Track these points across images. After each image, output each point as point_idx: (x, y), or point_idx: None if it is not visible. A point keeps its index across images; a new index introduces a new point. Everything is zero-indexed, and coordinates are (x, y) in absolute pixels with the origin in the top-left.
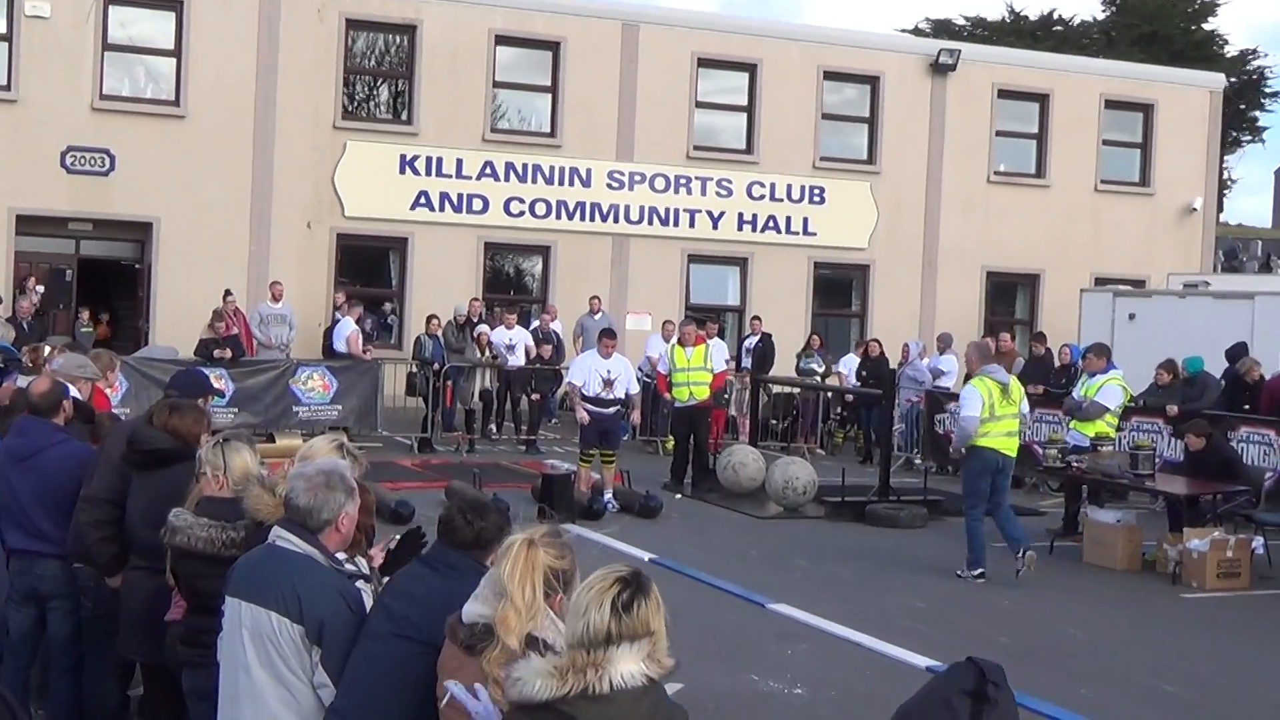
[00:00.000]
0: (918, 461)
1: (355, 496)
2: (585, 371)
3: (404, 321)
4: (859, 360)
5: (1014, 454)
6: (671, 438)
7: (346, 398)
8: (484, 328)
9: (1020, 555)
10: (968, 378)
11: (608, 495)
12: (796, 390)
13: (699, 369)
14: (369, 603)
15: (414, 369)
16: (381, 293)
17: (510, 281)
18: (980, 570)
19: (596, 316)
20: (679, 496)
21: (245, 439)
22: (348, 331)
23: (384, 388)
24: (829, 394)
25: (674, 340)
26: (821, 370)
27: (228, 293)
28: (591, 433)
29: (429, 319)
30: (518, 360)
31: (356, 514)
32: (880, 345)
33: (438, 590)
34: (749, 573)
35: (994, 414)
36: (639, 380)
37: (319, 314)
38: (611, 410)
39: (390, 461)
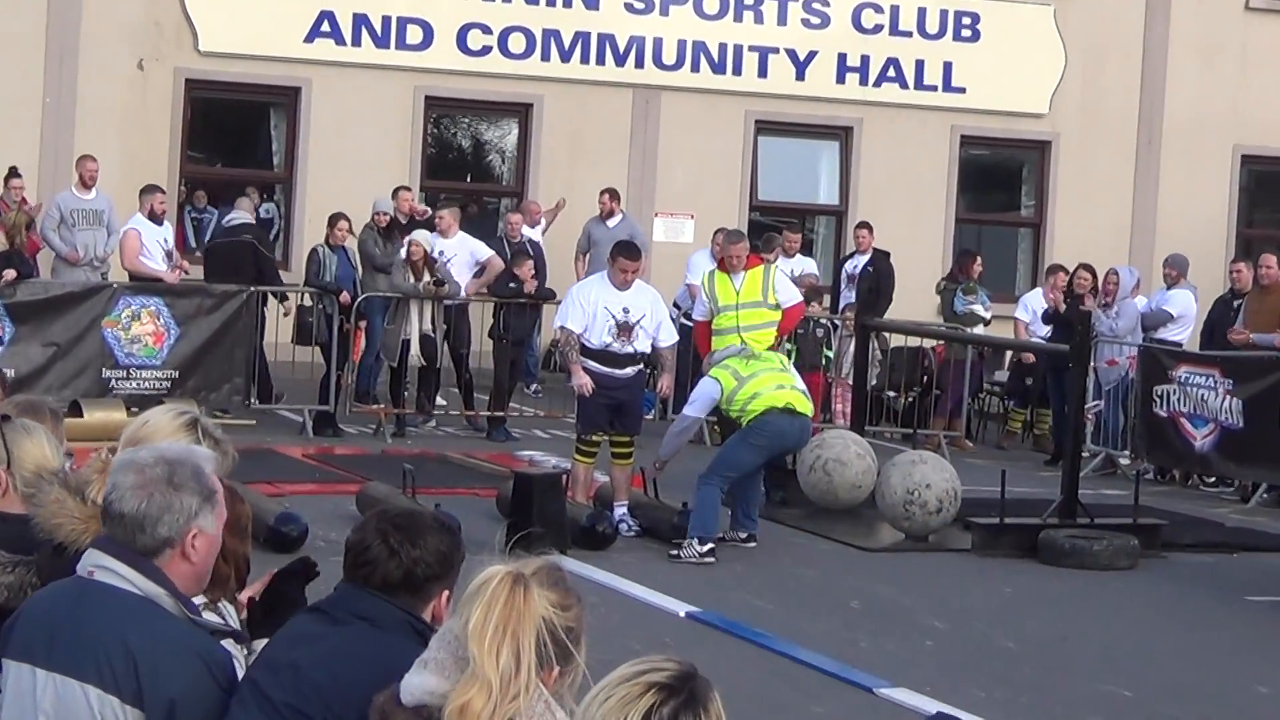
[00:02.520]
0: (1125, 462)
1: (217, 505)
2: (587, 310)
3: (291, 225)
4: (1048, 301)
5: None
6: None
7: (194, 350)
8: (422, 235)
9: None
10: None
11: (621, 509)
12: (932, 345)
13: (755, 306)
14: (242, 673)
15: (307, 302)
16: (254, 177)
17: (465, 161)
18: None
19: (611, 222)
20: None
21: (46, 410)
22: (127, 228)
23: (260, 333)
24: (984, 352)
25: (711, 267)
26: (988, 314)
27: (11, 173)
28: (596, 409)
29: (333, 221)
30: (453, 286)
31: (219, 533)
32: (1094, 275)
33: (342, 655)
34: (849, 638)
35: None
36: (674, 323)
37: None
38: (629, 373)
39: (269, 450)
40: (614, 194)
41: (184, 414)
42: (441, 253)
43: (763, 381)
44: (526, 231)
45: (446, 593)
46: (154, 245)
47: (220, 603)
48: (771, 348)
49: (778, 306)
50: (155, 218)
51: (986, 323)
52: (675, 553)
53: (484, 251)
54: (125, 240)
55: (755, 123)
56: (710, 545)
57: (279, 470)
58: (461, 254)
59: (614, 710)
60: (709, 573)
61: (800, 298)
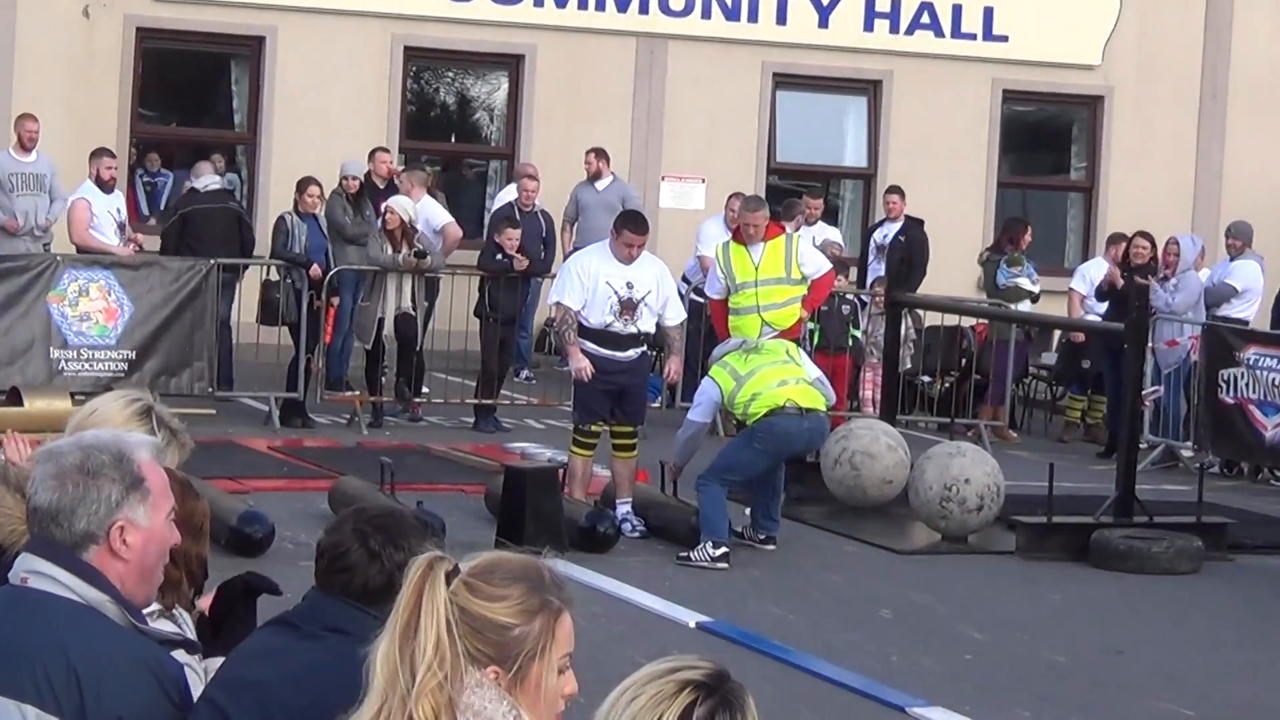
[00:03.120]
0: (1187, 454)
1: (149, 494)
2: (586, 284)
3: (255, 191)
4: (1105, 275)
5: None
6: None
7: (153, 330)
8: (401, 201)
9: None
10: None
11: (624, 508)
12: (972, 323)
13: (777, 283)
14: (198, 689)
15: (273, 276)
16: (213, 138)
17: (449, 119)
18: None
19: (600, 184)
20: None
21: None
22: (75, 197)
23: (217, 310)
24: (1030, 331)
25: (726, 238)
26: (1035, 289)
27: None
28: (595, 396)
29: (302, 186)
30: (437, 259)
31: (160, 528)
32: (1152, 244)
33: (316, 673)
34: (879, 651)
35: None
36: (683, 298)
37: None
38: (632, 355)
39: (231, 442)
40: (600, 153)
41: (135, 401)
42: (428, 220)
43: (762, 379)
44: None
45: None
46: (105, 216)
47: (175, 609)
48: (795, 327)
49: (804, 280)
50: (105, 185)
51: (1035, 298)
52: (685, 554)
53: (440, 217)
54: (74, 211)
55: (773, 75)
56: (724, 549)
57: (242, 464)
58: (417, 221)
59: (646, 709)
60: (722, 579)
61: (829, 265)
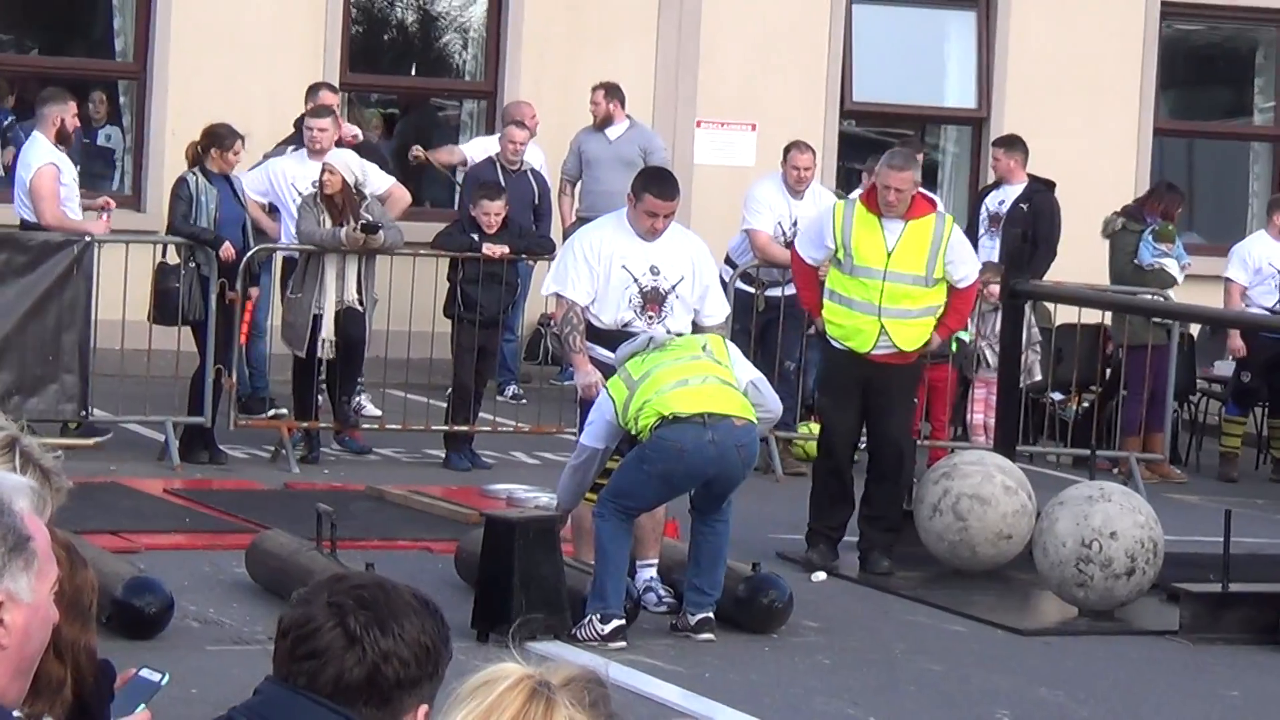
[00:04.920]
0: None
1: (35, 559)
2: (596, 270)
3: (145, 143)
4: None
5: None
6: (817, 429)
7: (1, 335)
8: (343, 158)
9: None
10: None
11: (647, 572)
12: (1113, 320)
13: (912, 281)
14: None
15: (171, 259)
16: (89, 70)
17: (408, 46)
18: None
19: (613, 131)
20: (820, 576)
21: None
22: (40, 162)
23: (97, 304)
24: (1189, 332)
25: (856, 192)
26: (1182, 274)
27: None
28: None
29: (210, 137)
30: (391, 234)
31: (43, 604)
32: None
33: None
34: None
35: None
36: (725, 287)
37: None
38: None
39: (115, 483)
40: (612, 90)
41: None
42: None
43: (655, 382)
44: (530, 154)
45: (425, 708)
46: (73, 185)
47: (45, 718)
48: (928, 345)
49: (941, 284)
50: (65, 138)
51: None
52: (573, 628)
53: (380, 180)
54: (40, 181)
55: None
56: (617, 622)
57: (130, 514)
58: (365, 184)
59: None
60: (780, 669)
61: (977, 272)
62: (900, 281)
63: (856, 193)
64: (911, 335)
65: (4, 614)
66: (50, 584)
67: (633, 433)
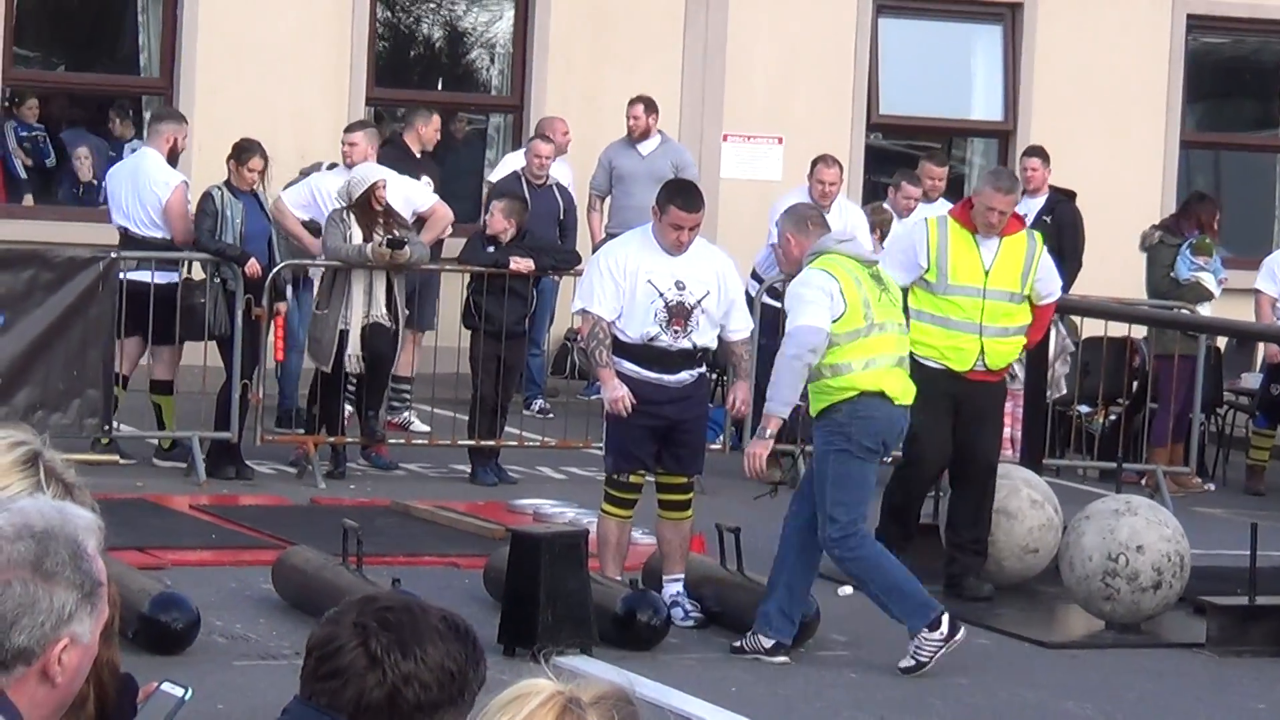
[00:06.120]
0: None
1: (99, 602)
2: (621, 284)
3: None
4: None
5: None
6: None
7: (27, 348)
8: (379, 172)
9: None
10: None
11: (674, 587)
12: (1144, 334)
13: (1008, 299)
14: None
15: (196, 274)
16: (114, 86)
17: (434, 59)
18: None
19: (645, 147)
20: (847, 590)
21: None
22: (175, 180)
23: (119, 319)
24: (1215, 344)
25: (933, 208)
26: (1219, 288)
27: None
28: (636, 435)
29: (232, 150)
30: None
31: (95, 644)
32: None
33: None
34: None
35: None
36: (751, 302)
37: None
38: (685, 379)
39: (141, 500)
40: (649, 104)
41: (18, 446)
42: (407, 200)
43: (884, 343)
44: (557, 170)
45: None
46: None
47: None
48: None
49: (1041, 297)
50: (174, 158)
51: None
52: (738, 644)
53: (424, 198)
54: (175, 200)
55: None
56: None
57: (156, 530)
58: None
59: None
60: (807, 682)
61: (1060, 289)
62: (999, 299)
63: (937, 209)
64: (1006, 352)
65: (65, 656)
66: (104, 623)
67: (823, 387)
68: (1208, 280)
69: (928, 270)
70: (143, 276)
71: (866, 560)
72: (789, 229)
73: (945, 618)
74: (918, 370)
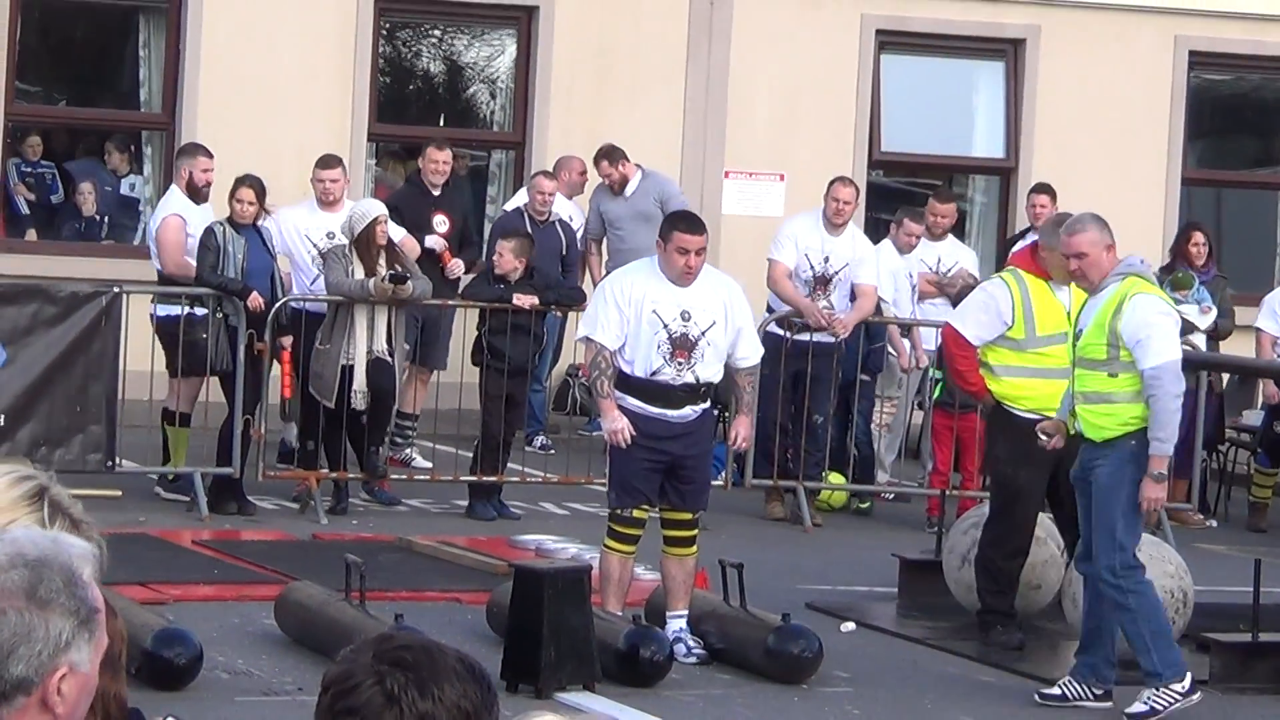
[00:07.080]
0: None
1: (96, 629)
2: (625, 314)
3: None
4: None
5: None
6: (838, 479)
7: (31, 384)
8: (369, 211)
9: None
10: None
11: (678, 623)
12: None
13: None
14: None
15: (197, 308)
16: (115, 121)
17: (435, 95)
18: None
19: (630, 189)
20: (849, 626)
21: None
22: (165, 213)
23: (124, 355)
24: (1214, 381)
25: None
26: (1205, 322)
27: None
28: (639, 470)
29: (239, 187)
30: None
31: (95, 672)
32: None
33: None
34: None
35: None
36: (759, 325)
37: None
38: (689, 414)
39: (144, 535)
40: (612, 153)
41: (24, 480)
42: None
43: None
44: (560, 205)
45: None
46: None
47: None
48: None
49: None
50: (195, 191)
51: (1219, 334)
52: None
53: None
54: (163, 231)
55: (876, 33)
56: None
57: (159, 565)
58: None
59: None
60: (808, 717)
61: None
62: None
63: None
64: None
65: (64, 685)
66: (103, 651)
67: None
68: (1189, 312)
69: (1014, 328)
70: (172, 311)
71: (1147, 596)
72: (1104, 235)
73: (1190, 676)
74: (1019, 426)
